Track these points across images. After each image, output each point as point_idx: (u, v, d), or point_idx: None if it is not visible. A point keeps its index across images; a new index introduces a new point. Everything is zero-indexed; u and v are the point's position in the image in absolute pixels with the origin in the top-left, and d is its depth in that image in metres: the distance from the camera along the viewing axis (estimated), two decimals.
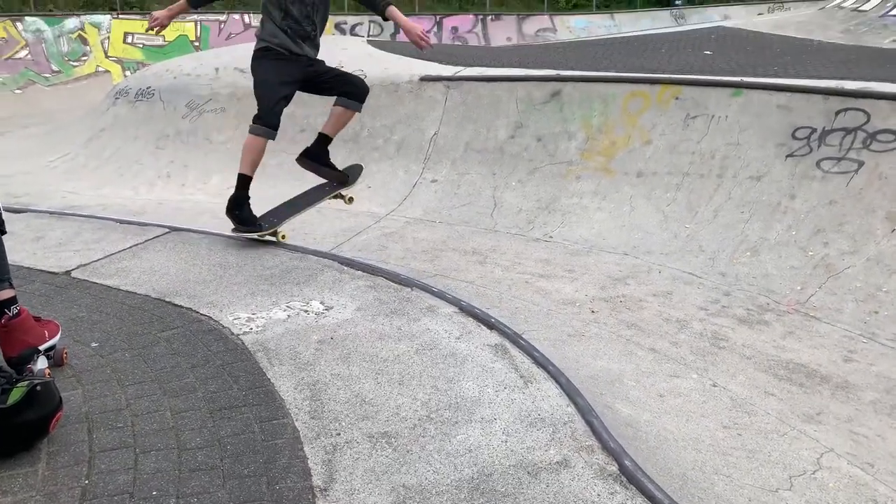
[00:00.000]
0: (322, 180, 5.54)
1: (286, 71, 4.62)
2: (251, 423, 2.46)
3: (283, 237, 4.44)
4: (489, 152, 7.65)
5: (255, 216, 4.55)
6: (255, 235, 4.41)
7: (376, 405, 2.55)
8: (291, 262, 4.00)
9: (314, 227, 6.74)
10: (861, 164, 5.57)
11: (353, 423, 2.44)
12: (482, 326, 3.14)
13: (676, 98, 6.88)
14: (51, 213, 4.92)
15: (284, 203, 5.04)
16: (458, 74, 8.28)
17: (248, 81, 8.82)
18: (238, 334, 3.12)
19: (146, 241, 4.33)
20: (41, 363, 2.75)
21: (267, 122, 4.53)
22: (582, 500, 2.02)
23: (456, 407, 2.51)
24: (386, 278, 3.74)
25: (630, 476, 2.08)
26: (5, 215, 2.82)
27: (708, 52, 8.67)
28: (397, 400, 2.57)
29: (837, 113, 5.86)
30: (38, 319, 2.85)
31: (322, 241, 6.27)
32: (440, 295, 3.50)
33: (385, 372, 2.77)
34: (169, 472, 2.20)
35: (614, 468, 2.14)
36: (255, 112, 4.59)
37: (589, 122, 7.31)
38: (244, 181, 4.61)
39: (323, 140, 5.10)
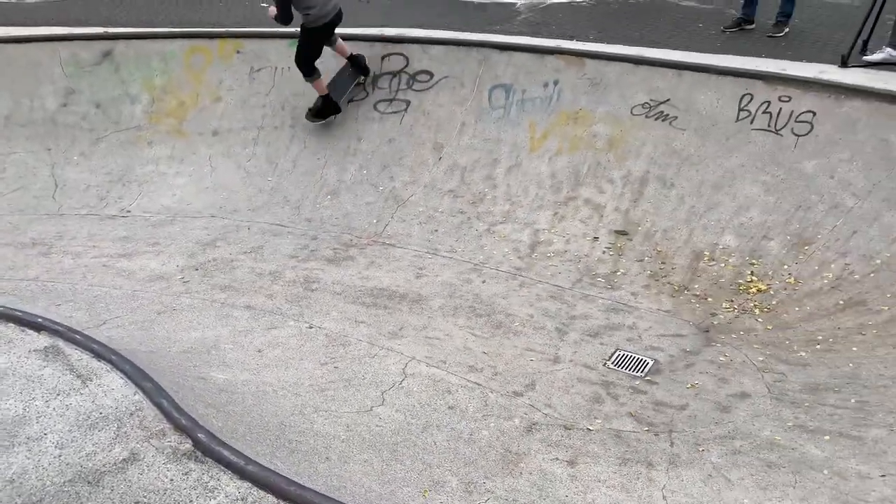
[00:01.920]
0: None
1: None
2: None
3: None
4: (38, 125, 6.55)
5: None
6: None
7: None
8: None
9: None
10: (408, 103, 6.17)
11: None
12: (27, 330, 2.63)
13: (238, 52, 6.71)
14: None
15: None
16: None
17: None
18: None
19: None
20: None
21: None
22: (153, 491, 1.83)
23: None
24: None
25: (205, 449, 1.95)
26: None
27: (264, 5, 8.62)
28: None
29: (383, 58, 6.36)
30: None
31: None
32: None
33: None
34: None
35: (188, 445, 1.99)
36: None
37: (151, 83, 6.72)
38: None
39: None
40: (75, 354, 2.47)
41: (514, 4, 7.55)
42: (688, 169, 4.97)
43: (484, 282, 4.66)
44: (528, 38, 6.23)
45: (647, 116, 5.25)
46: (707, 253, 4.61)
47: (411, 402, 3.39)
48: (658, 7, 6.64)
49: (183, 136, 6.48)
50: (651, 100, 5.26)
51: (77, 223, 5.60)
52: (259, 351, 3.82)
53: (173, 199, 5.97)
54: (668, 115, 5.18)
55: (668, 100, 5.20)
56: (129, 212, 5.82)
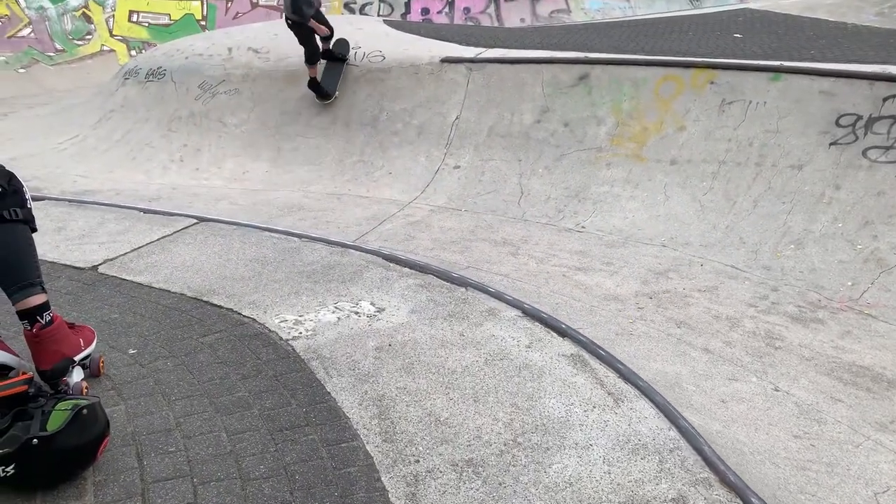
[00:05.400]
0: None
1: None
2: (317, 446, 2.18)
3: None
4: (514, 137, 7.33)
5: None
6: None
7: (453, 426, 2.27)
8: (332, 258, 3.70)
9: (336, 215, 6.43)
10: None
11: (432, 448, 2.16)
12: (552, 333, 2.85)
13: (712, 83, 6.55)
14: (70, 201, 4.60)
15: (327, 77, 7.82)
16: (480, 56, 7.92)
17: (262, 63, 8.49)
18: (287, 339, 2.84)
19: (174, 232, 4.02)
20: (77, 375, 2.46)
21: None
22: None
23: (544, 429, 2.24)
24: (437, 276, 3.45)
25: None
26: None
27: (738, 35, 8.33)
28: (476, 420, 2.30)
29: (885, 99, 5.56)
30: (71, 326, 2.56)
31: (346, 229, 5.97)
32: (498, 296, 3.22)
33: (456, 386, 2.49)
34: None
35: None
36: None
37: (619, 107, 6.99)
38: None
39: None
40: (601, 370, 2.58)
41: None
42: None
43: None
44: None
45: None
46: None
47: None
48: None
49: (641, 161, 6.59)
50: None
51: (539, 231, 6.11)
52: (723, 402, 3.61)
53: (625, 222, 6.11)
54: None
55: None
56: (583, 227, 6.14)
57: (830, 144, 5.73)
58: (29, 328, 2.37)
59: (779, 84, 6.25)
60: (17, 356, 2.43)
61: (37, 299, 2.37)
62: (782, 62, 6.48)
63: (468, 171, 7.25)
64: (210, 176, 7.51)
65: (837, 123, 5.79)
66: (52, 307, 2.46)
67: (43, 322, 2.38)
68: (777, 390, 3.81)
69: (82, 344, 2.50)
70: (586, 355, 2.67)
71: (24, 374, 2.36)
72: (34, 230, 2.45)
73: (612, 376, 2.53)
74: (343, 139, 7.84)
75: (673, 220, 6.01)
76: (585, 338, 2.72)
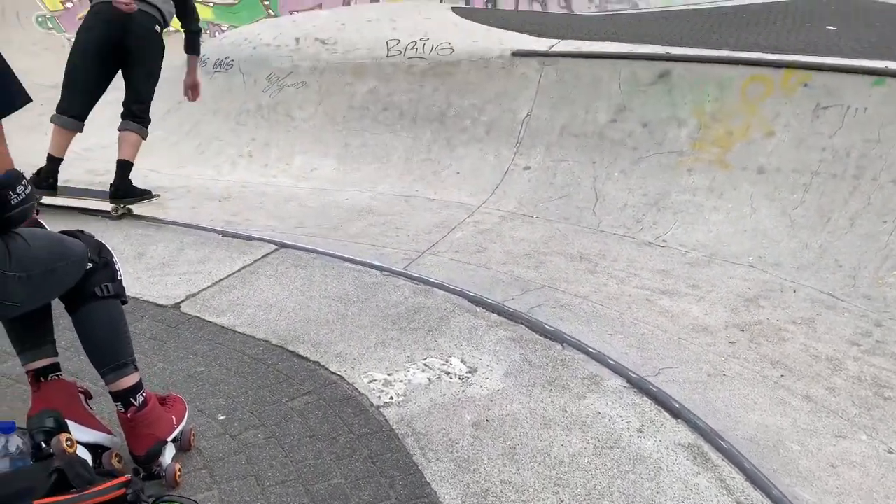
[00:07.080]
0: None
1: None
2: None
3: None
4: (588, 137, 6.95)
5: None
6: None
7: None
8: (416, 298, 3.50)
9: (405, 220, 6.22)
10: None
11: None
12: (664, 413, 2.60)
13: (805, 85, 6.05)
14: (148, 219, 4.50)
15: None
16: (553, 50, 7.52)
17: (329, 55, 8.25)
18: (378, 406, 2.66)
19: (255, 261, 3.87)
20: (168, 454, 2.33)
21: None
22: None
23: None
24: (528, 328, 3.22)
25: None
26: (101, 227, 2.33)
27: (831, 28, 7.69)
28: None
29: None
30: (162, 402, 2.43)
31: (416, 237, 5.76)
32: (599, 358, 2.96)
33: (565, 483, 2.27)
34: None
35: None
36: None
37: (702, 108, 6.54)
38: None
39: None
40: (724, 468, 2.32)
41: None
42: None
43: None
44: None
45: None
46: None
47: None
48: None
49: (725, 168, 6.17)
50: None
51: (616, 244, 5.78)
52: (832, 466, 3.30)
53: (709, 237, 5.74)
54: None
55: None
56: (664, 241, 5.79)
57: None
58: (123, 411, 2.24)
59: (882, 89, 5.72)
60: (111, 433, 2.31)
61: (130, 380, 2.23)
62: (887, 63, 5.92)
63: (539, 173, 6.93)
64: (278, 173, 7.37)
65: None
66: (141, 382, 2.32)
67: (137, 405, 2.24)
68: (891, 452, 3.48)
69: (174, 421, 2.37)
70: (706, 446, 2.40)
71: (116, 455, 2.25)
72: (125, 303, 2.31)
73: (738, 478, 2.26)
74: (410, 136, 7.59)
75: (761, 235, 5.61)
76: (702, 421, 2.45)
